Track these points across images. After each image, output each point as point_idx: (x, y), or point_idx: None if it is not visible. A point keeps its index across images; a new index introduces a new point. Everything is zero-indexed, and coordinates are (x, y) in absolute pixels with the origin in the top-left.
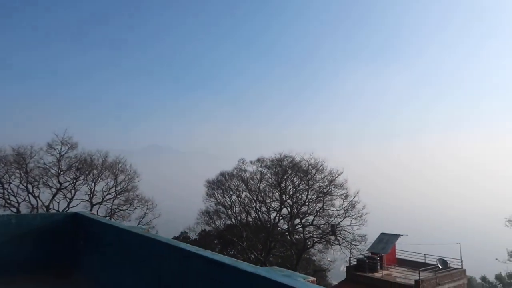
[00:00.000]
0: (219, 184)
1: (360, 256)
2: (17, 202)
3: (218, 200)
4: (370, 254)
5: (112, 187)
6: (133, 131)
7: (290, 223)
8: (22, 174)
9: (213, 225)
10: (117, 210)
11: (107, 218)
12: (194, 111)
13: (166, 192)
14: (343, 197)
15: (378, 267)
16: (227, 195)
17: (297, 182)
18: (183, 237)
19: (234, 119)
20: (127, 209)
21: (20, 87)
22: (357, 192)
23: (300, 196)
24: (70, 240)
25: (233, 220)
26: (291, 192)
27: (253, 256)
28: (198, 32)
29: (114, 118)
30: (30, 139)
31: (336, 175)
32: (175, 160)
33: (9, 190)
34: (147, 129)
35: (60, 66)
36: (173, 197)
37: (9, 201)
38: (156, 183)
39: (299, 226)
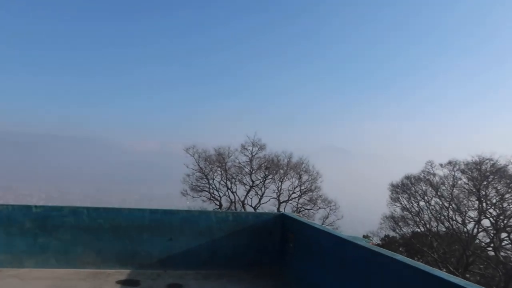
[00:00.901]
0: (405, 188)
1: None
2: (219, 196)
3: (404, 206)
4: None
5: (296, 187)
6: (308, 132)
7: (494, 237)
8: (222, 172)
9: (399, 232)
10: (302, 209)
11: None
12: (365, 112)
13: (344, 194)
14: None
15: None
16: (413, 201)
17: (502, 190)
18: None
19: (402, 118)
20: (311, 209)
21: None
22: None
23: (508, 206)
24: (279, 240)
25: (421, 228)
26: (494, 201)
27: (445, 270)
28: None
29: (290, 120)
30: (228, 140)
31: None
32: (348, 162)
33: (213, 186)
34: (322, 130)
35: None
36: (350, 199)
37: (213, 195)
38: (335, 184)
39: (508, 242)
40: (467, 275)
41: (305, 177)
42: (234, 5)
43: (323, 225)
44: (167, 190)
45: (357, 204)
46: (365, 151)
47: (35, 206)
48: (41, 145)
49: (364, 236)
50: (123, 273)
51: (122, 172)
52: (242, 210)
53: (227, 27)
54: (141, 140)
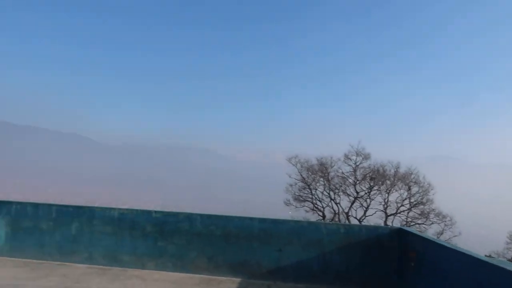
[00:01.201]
0: None
1: None
2: (322, 207)
3: None
4: None
5: (405, 199)
6: (414, 140)
7: None
8: (325, 182)
9: None
10: (412, 223)
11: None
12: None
13: (460, 207)
14: None
15: None
16: None
17: None
18: None
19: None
20: (423, 224)
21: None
22: None
23: None
24: (396, 258)
25: None
26: None
27: None
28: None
29: (395, 128)
30: (329, 150)
31: None
32: (465, 172)
33: (316, 196)
34: (430, 138)
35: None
36: (467, 214)
37: (316, 206)
38: (448, 197)
39: None
40: None
41: (415, 189)
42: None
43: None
44: (268, 199)
45: (471, 219)
46: (477, 161)
47: (155, 211)
48: (148, 153)
49: (487, 256)
50: (234, 282)
51: (224, 180)
52: (347, 222)
53: (326, 31)
54: (242, 148)
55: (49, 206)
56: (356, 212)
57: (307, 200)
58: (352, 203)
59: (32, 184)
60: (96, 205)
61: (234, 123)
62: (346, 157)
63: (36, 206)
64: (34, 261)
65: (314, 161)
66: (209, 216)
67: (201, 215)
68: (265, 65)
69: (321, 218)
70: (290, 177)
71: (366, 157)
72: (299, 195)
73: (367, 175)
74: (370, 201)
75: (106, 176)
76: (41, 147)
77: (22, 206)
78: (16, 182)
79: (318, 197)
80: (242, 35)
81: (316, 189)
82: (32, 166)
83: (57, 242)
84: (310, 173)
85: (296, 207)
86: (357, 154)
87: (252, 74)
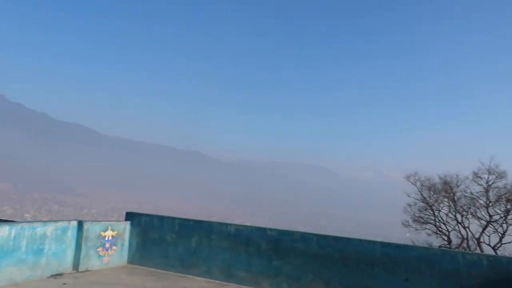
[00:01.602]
0: None
1: None
2: (447, 230)
3: None
4: None
5: None
6: None
7: None
8: (450, 203)
9: None
10: None
11: None
12: None
13: None
14: None
15: None
16: None
17: None
18: None
19: None
20: None
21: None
22: None
23: None
24: None
25: None
26: None
27: None
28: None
29: None
30: (455, 167)
31: None
32: None
33: (439, 218)
34: None
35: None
36: None
37: (440, 229)
38: None
39: None
40: None
41: None
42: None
43: None
44: (384, 218)
45: None
46: None
47: (269, 229)
48: (261, 169)
49: None
50: None
51: (337, 198)
52: (478, 249)
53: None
54: (354, 166)
55: (173, 219)
56: (489, 239)
57: (429, 222)
58: (484, 228)
59: (152, 197)
60: (213, 219)
61: (346, 139)
62: (476, 175)
63: (161, 218)
64: (159, 271)
65: (437, 179)
66: (325, 237)
67: (317, 235)
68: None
69: (446, 243)
70: (408, 196)
71: (501, 175)
72: (420, 216)
73: (503, 196)
74: (507, 227)
75: (220, 192)
76: (161, 163)
77: (150, 218)
78: (144, 195)
79: (442, 220)
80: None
81: (439, 211)
82: (153, 180)
83: (179, 254)
84: (432, 193)
85: (416, 229)
86: (489, 172)
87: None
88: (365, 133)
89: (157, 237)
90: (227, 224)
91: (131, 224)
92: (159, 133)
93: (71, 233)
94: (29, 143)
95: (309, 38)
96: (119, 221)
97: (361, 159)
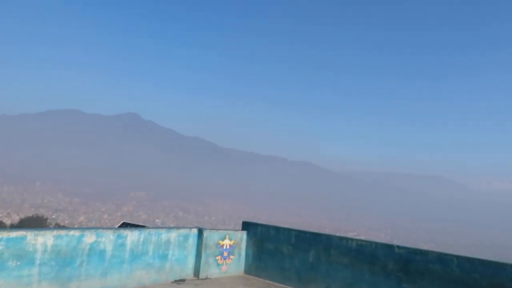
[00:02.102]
0: None
1: None
2: None
3: None
4: None
5: None
6: None
7: None
8: None
9: None
10: None
11: None
12: None
13: None
14: None
15: None
16: None
17: None
18: None
19: None
20: None
21: None
22: None
23: None
24: None
25: None
26: None
27: None
28: None
29: None
30: None
31: None
32: None
33: None
34: None
35: None
36: None
37: None
38: None
39: None
40: None
41: None
42: None
43: None
44: None
45: None
46: None
47: (398, 247)
48: (374, 180)
49: None
50: None
51: (465, 212)
52: None
53: None
54: (486, 179)
55: (289, 230)
56: None
57: None
58: None
59: (266, 207)
60: (325, 231)
61: (471, 146)
62: None
63: (277, 229)
64: (276, 283)
65: None
66: (470, 260)
67: (458, 257)
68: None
69: None
70: None
71: None
72: None
73: None
74: None
75: (331, 203)
76: (274, 173)
77: (266, 228)
78: (258, 205)
79: None
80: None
81: None
82: (266, 190)
83: (296, 268)
84: None
85: None
86: None
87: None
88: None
89: (273, 248)
90: (347, 239)
91: (247, 234)
92: (273, 144)
93: (192, 240)
94: (159, 156)
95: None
96: (236, 230)
97: (492, 171)
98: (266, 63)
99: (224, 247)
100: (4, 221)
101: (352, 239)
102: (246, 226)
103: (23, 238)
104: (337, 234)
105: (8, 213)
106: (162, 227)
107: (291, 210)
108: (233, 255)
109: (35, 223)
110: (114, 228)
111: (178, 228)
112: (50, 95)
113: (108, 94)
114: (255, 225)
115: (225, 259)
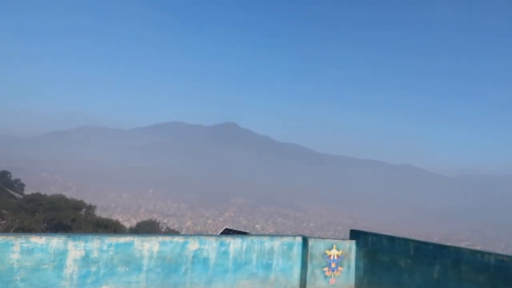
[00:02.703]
0: None
1: None
2: None
3: None
4: None
5: None
6: None
7: None
8: None
9: None
10: None
11: None
12: None
13: None
14: None
15: None
16: None
17: None
18: None
19: None
20: None
21: None
22: None
23: None
24: None
25: None
26: None
27: None
28: None
29: None
30: None
31: None
32: None
33: None
34: None
35: None
36: None
37: None
38: None
39: None
40: None
41: None
42: None
43: None
44: None
45: None
46: None
47: None
48: (499, 184)
49: None
50: None
51: None
52: None
53: None
54: None
55: (406, 241)
56: None
57: None
58: None
59: (366, 213)
60: (434, 240)
61: None
62: None
63: (392, 239)
64: None
65: None
66: None
67: None
68: None
69: None
70: None
71: None
72: None
73: None
74: None
75: (439, 209)
76: (374, 178)
77: (378, 238)
78: (357, 211)
79: None
80: None
81: None
82: (365, 196)
83: (417, 285)
84: None
85: None
86: None
87: None
88: None
89: (388, 260)
90: (483, 253)
91: (357, 244)
92: (370, 148)
93: (297, 249)
94: (257, 163)
95: None
96: (344, 239)
97: None
98: (359, 68)
99: (332, 258)
100: (124, 224)
101: (489, 253)
102: (354, 235)
103: (131, 244)
104: (453, 245)
105: (128, 218)
106: (264, 235)
107: (394, 216)
108: (341, 266)
109: (149, 226)
110: (217, 235)
111: (281, 236)
112: (157, 110)
113: (207, 106)
114: (365, 234)
115: (333, 270)
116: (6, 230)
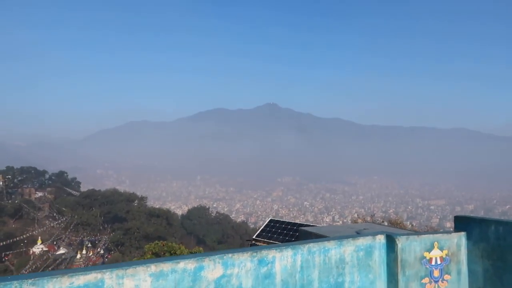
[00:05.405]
0: None
1: None
2: None
3: None
4: None
5: None
6: None
7: None
8: None
9: None
10: None
11: None
12: None
13: None
14: None
15: None
16: None
17: None
18: None
19: None
20: None
21: None
22: None
23: None
24: None
25: None
26: None
27: None
28: None
29: None
30: None
31: None
32: None
33: None
34: None
35: None
36: None
37: None
38: None
39: None
40: None
41: None
42: None
43: None
44: None
45: None
46: None
47: None
48: None
49: None
50: None
51: None
52: None
53: None
54: None
55: None
56: None
57: None
58: None
59: (418, 182)
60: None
61: None
62: None
63: None
64: None
65: None
66: None
67: None
68: None
69: None
70: None
71: None
72: None
73: None
74: None
75: (497, 172)
76: (422, 145)
77: (505, 227)
78: (408, 181)
79: None
80: None
81: None
82: (414, 164)
83: None
84: None
85: None
86: None
87: None
88: None
89: None
90: None
91: (468, 237)
92: (416, 114)
93: (379, 255)
94: (300, 141)
95: None
96: (448, 232)
97: None
98: (401, 38)
99: (433, 263)
100: (176, 211)
101: None
102: (462, 223)
103: (99, 284)
104: None
105: (179, 205)
106: (328, 240)
107: (447, 182)
108: (448, 274)
109: (199, 212)
110: (252, 249)
111: (354, 237)
112: (197, 99)
113: (247, 90)
114: (482, 222)
115: (436, 281)
116: (66, 226)
